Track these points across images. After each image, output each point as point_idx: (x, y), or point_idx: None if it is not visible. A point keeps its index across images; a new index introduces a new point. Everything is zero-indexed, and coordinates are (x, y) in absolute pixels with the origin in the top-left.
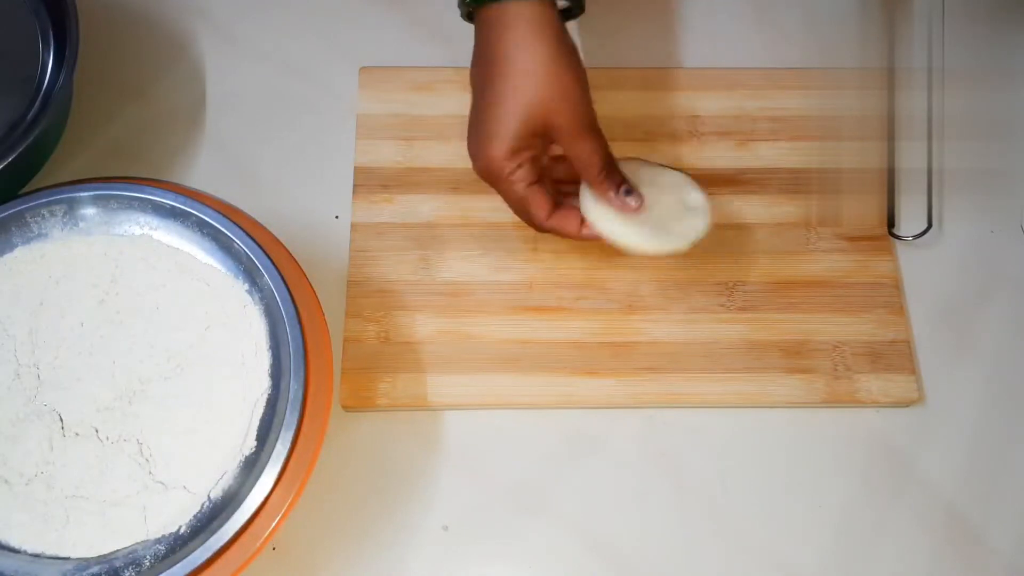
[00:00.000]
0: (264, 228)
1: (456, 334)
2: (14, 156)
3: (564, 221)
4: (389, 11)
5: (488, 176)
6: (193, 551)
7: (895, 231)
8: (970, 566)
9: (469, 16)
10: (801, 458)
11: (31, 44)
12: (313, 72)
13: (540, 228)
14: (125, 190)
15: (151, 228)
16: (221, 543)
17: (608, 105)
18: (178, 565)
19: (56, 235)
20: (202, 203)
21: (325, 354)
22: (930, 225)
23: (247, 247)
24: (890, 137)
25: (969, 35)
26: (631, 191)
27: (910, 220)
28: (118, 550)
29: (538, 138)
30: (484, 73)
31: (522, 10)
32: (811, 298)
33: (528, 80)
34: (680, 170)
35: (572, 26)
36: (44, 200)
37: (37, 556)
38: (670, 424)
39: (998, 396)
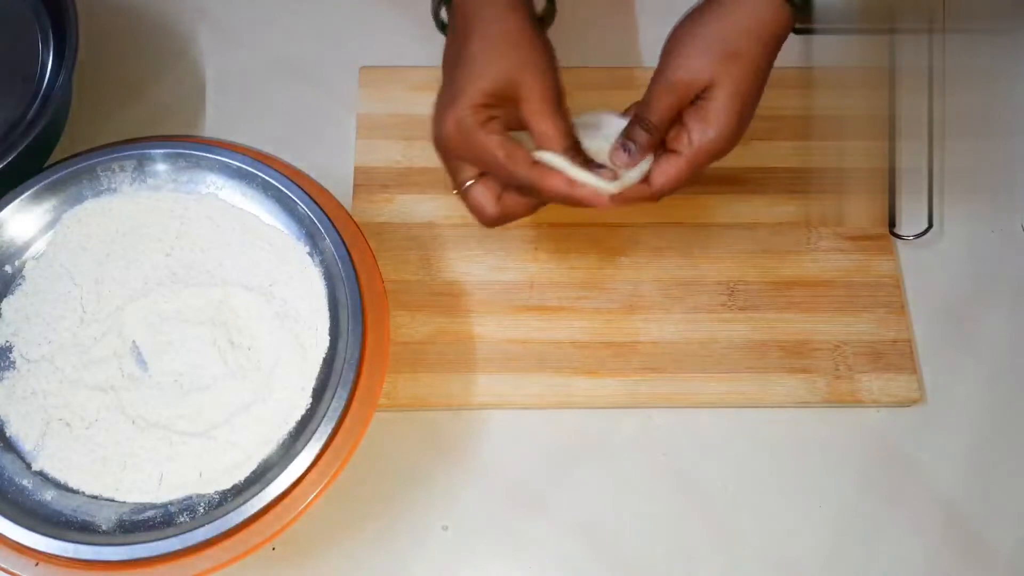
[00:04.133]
0: (328, 192)
1: (456, 334)
2: (14, 156)
3: (548, 176)
4: (389, 11)
5: (458, 133)
6: (247, 502)
7: (896, 231)
8: (970, 566)
9: (442, 27)
10: (802, 458)
11: (31, 44)
12: (313, 72)
13: (523, 183)
14: (194, 149)
15: (217, 187)
16: (273, 495)
17: (610, 104)
18: (231, 514)
19: (125, 190)
20: (268, 165)
21: (383, 317)
22: (931, 225)
23: (310, 210)
24: (890, 137)
25: (969, 35)
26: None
27: (911, 220)
28: (172, 500)
29: (506, 104)
30: (455, 46)
31: None
32: (812, 298)
33: (500, 44)
34: (614, 112)
35: (574, 24)
36: (115, 155)
37: (95, 498)
38: (670, 424)
39: (999, 395)
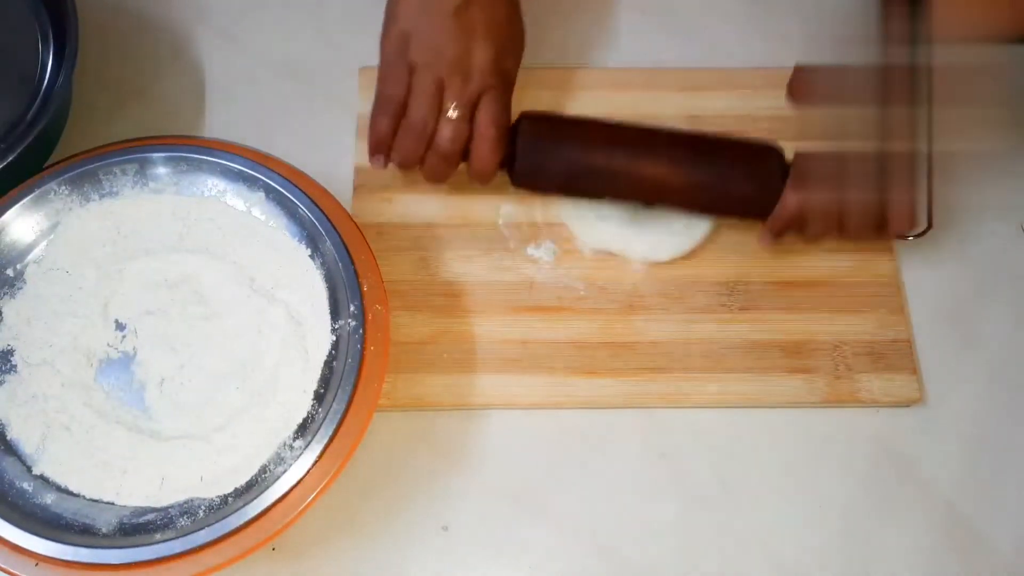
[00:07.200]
0: (328, 193)
1: (456, 334)
2: (14, 156)
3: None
4: None
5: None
6: (247, 504)
7: None
8: (970, 566)
9: None
10: (801, 458)
11: (31, 44)
12: (313, 72)
13: None
14: (196, 152)
15: (219, 190)
16: (274, 498)
17: (610, 105)
18: (231, 517)
19: (127, 193)
20: (269, 168)
21: (383, 318)
22: (931, 225)
23: (311, 212)
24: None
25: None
26: None
27: None
28: (173, 504)
29: None
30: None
31: None
32: (812, 298)
33: None
34: None
35: (579, 26)
36: (117, 159)
37: (95, 501)
38: (670, 424)
39: (999, 395)
